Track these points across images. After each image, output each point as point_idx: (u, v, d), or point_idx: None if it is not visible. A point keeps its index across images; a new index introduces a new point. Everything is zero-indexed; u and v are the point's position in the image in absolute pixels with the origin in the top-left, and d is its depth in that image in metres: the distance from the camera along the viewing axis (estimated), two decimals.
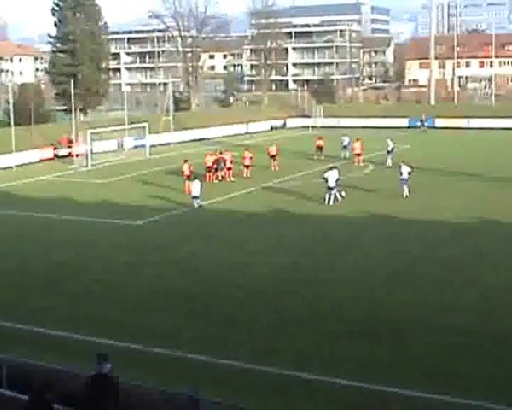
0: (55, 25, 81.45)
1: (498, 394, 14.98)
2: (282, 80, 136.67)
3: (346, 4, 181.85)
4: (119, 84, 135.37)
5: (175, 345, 18.11)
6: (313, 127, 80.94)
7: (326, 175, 37.13)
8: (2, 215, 37.27)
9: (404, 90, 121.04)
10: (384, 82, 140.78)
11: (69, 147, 59.95)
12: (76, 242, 30.97)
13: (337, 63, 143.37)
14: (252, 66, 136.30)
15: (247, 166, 46.42)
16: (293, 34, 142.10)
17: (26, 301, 22.70)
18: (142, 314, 21.22)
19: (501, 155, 55.44)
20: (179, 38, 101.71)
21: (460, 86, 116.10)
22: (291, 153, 56.73)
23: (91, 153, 55.54)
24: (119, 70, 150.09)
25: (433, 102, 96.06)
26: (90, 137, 55.71)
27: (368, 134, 64.64)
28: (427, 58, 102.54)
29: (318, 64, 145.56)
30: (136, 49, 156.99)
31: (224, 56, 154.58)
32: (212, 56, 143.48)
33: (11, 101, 59.70)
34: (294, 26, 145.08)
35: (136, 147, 61.96)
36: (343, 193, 37.96)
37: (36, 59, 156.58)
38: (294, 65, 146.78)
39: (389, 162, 49.18)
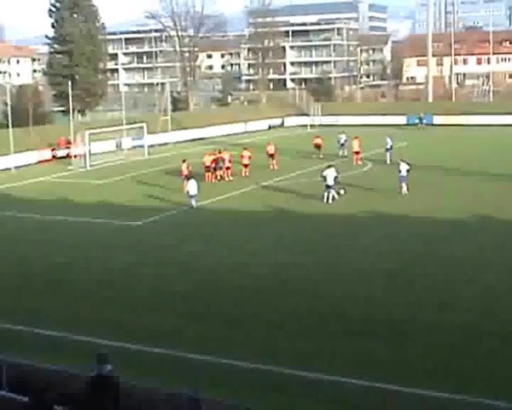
0: (53, 26, 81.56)
1: (498, 391, 14.98)
2: (279, 79, 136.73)
3: (343, 2, 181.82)
4: (117, 85, 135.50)
5: (175, 345, 18.09)
6: (311, 126, 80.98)
7: (325, 173, 37.13)
8: (1, 217, 37.26)
9: (402, 87, 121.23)
10: (382, 80, 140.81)
11: (67, 148, 59.97)
12: (75, 242, 30.96)
13: (335, 61, 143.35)
14: (249, 65, 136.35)
15: (246, 166, 46.42)
16: (290, 33, 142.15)
17: (25, 302, 22.70)
18: (141, 314, 21.22)
19: (499, 151, 55.44)
20: (176, 38, 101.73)
21: (458, 83, 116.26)
22: (289, 152, 56.72)
23: (90, 154, 55.53)
24: (116, 70, 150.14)
25: (430, 99, 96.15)
26: (89, 137, 55.70)
27: (366, 132, 64.63)
28: (424, 55, 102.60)
29: (316, 62, 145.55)
30: (133, 49, 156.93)
31: (222, 56, 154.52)
32: (209, 56, 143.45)
33: (9, 102, 59.64)
34: (292, 24, 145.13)
35: (134, 147, 61.99)
36: (342, 191, 37.96)
37: (33, 60, 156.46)
38: (292, 64, 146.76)
39: (388, 160, 49.20)
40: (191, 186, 36.99)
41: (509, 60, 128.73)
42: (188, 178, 38.75)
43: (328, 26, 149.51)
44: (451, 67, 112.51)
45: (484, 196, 37.83)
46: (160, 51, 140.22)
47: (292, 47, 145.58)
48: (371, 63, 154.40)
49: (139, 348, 18.03)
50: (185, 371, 16.55)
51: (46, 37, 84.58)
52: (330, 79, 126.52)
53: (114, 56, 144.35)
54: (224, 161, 45.37)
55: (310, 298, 22.22)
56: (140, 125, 62.14)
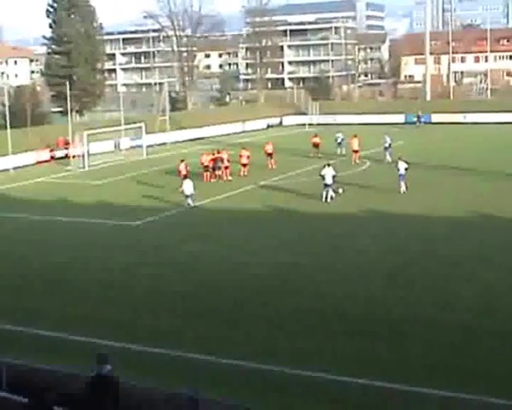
0: (50, 26, 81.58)
1: (498, 390, 14.98)
2: (277, 78, 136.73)
3: (340, 1, 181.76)
4: (115, 85, 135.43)
5: (175, 345, 18.08)
6: (309, 125, 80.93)
7: (323, 172, 37.11)
8: (0, 217, 37.22)
9: (400, 86, 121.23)
10: (380, 78, 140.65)
11: (66, 148, 59.94)
12: (74, 243, 30.95)
13: (332, 60, 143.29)
14: (247, 64, 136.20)
15: (245, 165, 46.41)
16: (288, 32, 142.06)
17: (24, 303, 22.68)
18: (141, 315, 21.21)
19: (497, 149, 55.44)
20: (174, 38, 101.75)
21: (455, 81, 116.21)
22: (288, 151, 56.73)
23: (88, 154, 55.48)
24: (114, 71, 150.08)
25: (428, 97, 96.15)
26: (87, 138, 55.67)
27: (364, 131, 64.59)
28: (422, 54, 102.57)
29: (314, 62, 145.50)
30: (131, 49, 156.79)
31: (220, 55, 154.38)
32: (207, 55, 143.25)
33: (7, 103, 59.62)
34: (289, 23, 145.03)
35: (132, 147, 61.97)
36: (340, 190, 37.96)
37: (31, 61, 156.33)
38: (290, 63, 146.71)
39: (388, 158, 49.05)
40: (186, 186, 37.02)
41: (507, 57, 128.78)
42: (185, 177, 38.75)
43: (325, 25, 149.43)
44: (449, 65, 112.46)
45: (483, 194, 37.82)
46: (158, 51, 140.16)
47: (290, 46, 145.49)
48: (369, 62, 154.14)
49: (139, 348, 18.02)
50: (185, 371, 16.53)
51: (44, 37, 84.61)
52: (328, 77, 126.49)
53: (112, 56, 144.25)
54: (222, 160, 45.35)
55: (310, 298, 22.21)
56: (138, 126, 62.10)
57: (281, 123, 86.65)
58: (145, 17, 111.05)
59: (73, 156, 56.84)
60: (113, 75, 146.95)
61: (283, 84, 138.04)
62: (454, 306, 20.88)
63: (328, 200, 36.78)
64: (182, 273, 25.75)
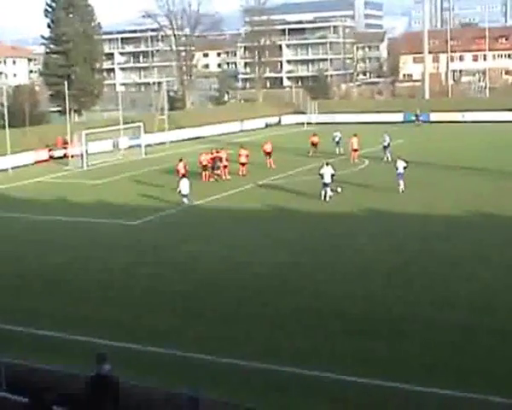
0: (49, 26, 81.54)
1: (497, 388, 15.00)
2: (276, 77, 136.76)
3: (339, 0, 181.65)
4: (114, 85, 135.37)
5: (174, 345, 18.09)
6: (308, 124, 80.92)
7: (322, 171, 37.12)
8: None
9: (399, 84, 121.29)
10: (378, 77, 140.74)
11: (64, 148, 59.91)
12: (73, 242, 30.94)
13: (331, 59, 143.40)
14: (246, 63, 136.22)
15: (243, 164, 46.39)
16: (286, 31, 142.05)
17: (24, 303, 22.67)
18: (140, 314, 21.19)
19: (496, 147, 55.44)
20: (173, 37, 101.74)
21: (454, 80, 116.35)
22: (286, 150, 56.72)
23: (87, 153, 55.47)
24: (113, 70, 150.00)
25: (427, 96, 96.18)
26: (85, 137, 55.65)
27: (363, 130, 64.57)
28: (420, 52, 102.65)
29: (312, 60, 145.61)
30: (129, 48, 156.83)
31: (218, 54, 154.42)
32: (205, 55, 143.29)
33: (5, 103, 59.60)
34: (288, 22, 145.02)
35: (131, 147, 61.97)
36: (339, 189, 37.95)
37: (30, 60, 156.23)
38: (288, 62, 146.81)
39: (388, 157, 48.96)
40: (183, 185, 37.06)
41: (505, 56, 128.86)
42: (182, 176, 38.73)
43: (324, 23, 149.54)
44: (448, 63, 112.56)
45: (482, 193, 37.83)
46: (157, 50, 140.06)
47: (288, 45, 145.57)
48: (367, 61, 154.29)
49: (139, 348, 18.04)
50: (185, 370, 16.56)
51: (42, 37, 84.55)
52: (327, 76, 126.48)
53: (111, 56, 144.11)
54: (221, 160, 45.33)
55: (309, 297, 22.21)
56: (137, 125, 62.08)
57: (279, 122, 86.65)
58: (143, 16, 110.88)
59: (72, 156, 56.83)
60: (112, 75, 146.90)
61: (282, 83, 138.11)
62: (453, 305, 20.89)
63: (327, 199, 36.79)
64: (181, 273, 25.75)
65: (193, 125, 74.87)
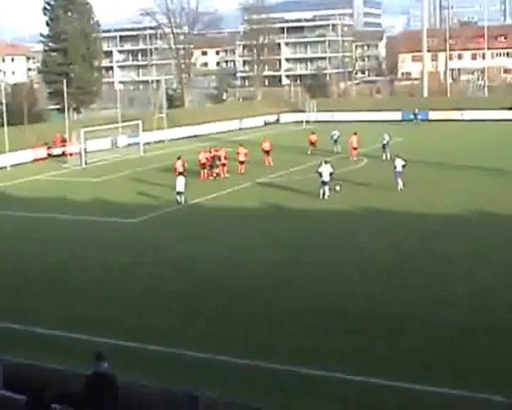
0: (47, 24, 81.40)
1: (495, 386, 15.00)
2: (274, 76, 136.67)
3: None
4: (112, 83, 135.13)
5: (174, 343, 18.09)
6: (307, 122, 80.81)
7: (320, 170, 37.12)
8: None
9: (397, 83, 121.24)
10: (377, 76, 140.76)
11: (63, 146, 59.85)
12: (71, 241, 30.91)
13: (330, 57, 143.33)
14: (244, 62, 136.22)
15: (242, 162, 46.35)
16: (285, 29, 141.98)
17: (22, 302, 22.64)
18: (139, 313, 21.17)
19: (494, 146, 55.42)
20: (171, 35, 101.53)
21: (453, 79, 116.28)
22: (285, 148, 56.68)
23: (85, 152, 55.42)
24: (111, 68, 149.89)
25: (426, 94, 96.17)
26: (84, 135, 55.60)
27: (361, 128, 64.52)
28: (419, 51, 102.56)
29: (311, 59, 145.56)
30: (128, 46, 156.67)
31: (217, 53, 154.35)
32: (204, 53, 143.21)
33: (4, 101, 59.51)
34: (286, 21, 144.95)
35: (129, 145, 61.95)
36: (337, 187, 37.94)
37: (28, 58, 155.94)
38: (287, 60, 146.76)
39: (388, 156, 48.85)
40: (178, 183, 37.07)
41: (504, 55, 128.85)
42: (179, 174, 38.67)
43: (322, 22, 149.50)
44: (446, 62, 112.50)
45: (480, 191, 37.83)
46: (155, 49, 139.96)
47: (287, 43, 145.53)
48: (366, 59, 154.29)
49: (138, 347, 18.04)
50: (184, 369, 16.56)
51: (41, 35, 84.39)
52: (325, 75, 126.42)
53: (109, 54, 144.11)
54: (219, 158, 45.28)
55: (309, 296, 22.20)
56: (135, 123, 62.01)
57: (278, 120, 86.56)
58: (142, 14, 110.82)
59: (70, 154, 56.80)
60: (110, 73, 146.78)
61: (280, 81, 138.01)
62: (452, 303, 20.89)
63: (326, 197, 36.79)
64: (180, 271, 25.72)
65: (191, 123, 74.81)
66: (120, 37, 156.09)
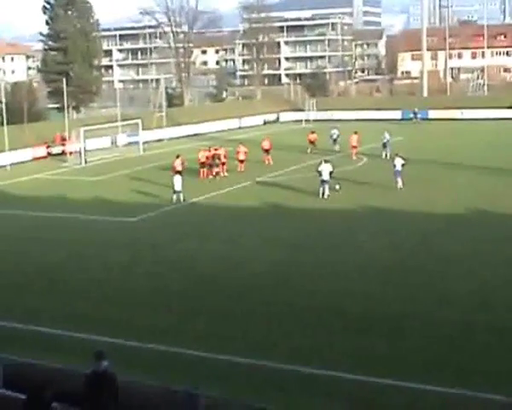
0: (47, 23, 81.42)
1: (495, 385, 15.00)
2: (274, 74, 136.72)
3: None
4: (112, 82, 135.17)
5: (173, 342, 18.08)
6: (306, 121, 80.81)
7: (320, 169, 37.11)
8: None
9: (397, 82, 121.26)
10: (376, 74, 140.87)
11: (62, 145, 59.83)
12: (71, 240, 30.88)
13: (329, 56, 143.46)
14: (244, 60, 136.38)
15: (242, 161, 46.35)
16: (285, 28, 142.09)
17: (21, 300, 22.62)
18: (138, 312, 21.16)
19: (494, 145, 55.43)
20: (171, 34, 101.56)
21: (452, 77, 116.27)
22: (284, 147, 56.65)
23: (85, 150, 55.43)
24: (111, 67, 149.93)
25: (425, 93, 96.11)
26: (84, 134, 55.59)
27: (361, 127, 64.54)
28: (419, 50, 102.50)
29: (310, 58, 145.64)
30: (128, 45, 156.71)
31: (217, 51, 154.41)
32: (204, 52, 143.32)
33: (3, 100, 59.50)
34: (286, 19, 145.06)
35: (129, 144, 61.95)
36: (337, 186, 37.94)
37: (28, 57, 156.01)
38: (287, 59, 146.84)
39: (388, 155, 48.84)
40: (176, 182, 37.07)
41: (504, 54, 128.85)
42: (177, 173, 38.64)
43: (322, 21, 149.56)
44: (446, 61, 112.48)
45: (480, 190, 37.83)
46: (155, 47, 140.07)
47: (286, 42, 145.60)
48: (366, 58, 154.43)
49: (138, 346, 18.03)
50: (184, 367, 16.55)
51: (40, 34, 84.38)
52: (325, 74, 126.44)
53: (109, 53, 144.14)
54: (219, 157, 45.26)
55: (308, 295, 22.18)
56: (135, 122, 62.01)
57: (277, 119, 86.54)
58: (142, 13, 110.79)
59: (70, 153, 56.80)
60: (110, 71, 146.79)
61: (280, 80, 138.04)
62: (452, 302, 20.89)
63: (325, 196, 36.79)
64: (179, 271, 25.70)
65: (191, 122, 74.81)
66: (120, 36, 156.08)
